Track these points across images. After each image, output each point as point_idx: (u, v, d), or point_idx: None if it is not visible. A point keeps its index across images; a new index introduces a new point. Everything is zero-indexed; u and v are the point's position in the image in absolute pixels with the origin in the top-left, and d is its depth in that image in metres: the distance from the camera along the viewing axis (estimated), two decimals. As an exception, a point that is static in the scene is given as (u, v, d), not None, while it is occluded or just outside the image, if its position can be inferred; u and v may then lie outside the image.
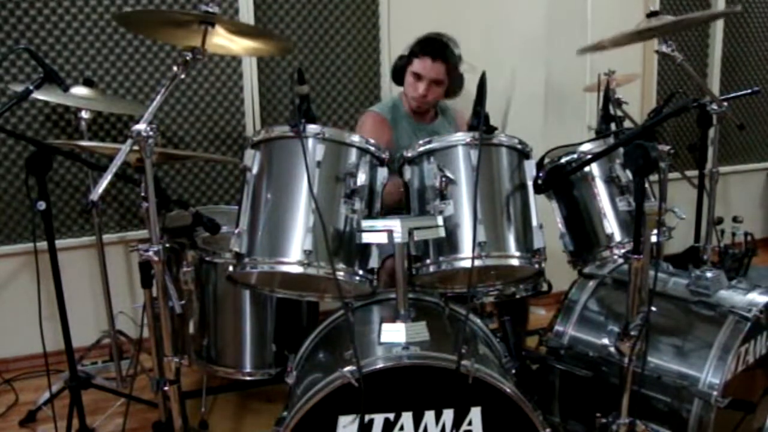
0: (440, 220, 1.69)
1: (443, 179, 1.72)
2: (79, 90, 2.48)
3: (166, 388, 1.69)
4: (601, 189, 1.91)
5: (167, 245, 1.67)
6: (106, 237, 2.89)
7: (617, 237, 1.87)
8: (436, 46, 2.45)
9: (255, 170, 1.72)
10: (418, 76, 2.45)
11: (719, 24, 3.96)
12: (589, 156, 1.87)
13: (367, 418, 1.58)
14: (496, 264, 1.74)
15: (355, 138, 1.77)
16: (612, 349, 1.95)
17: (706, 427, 1.83)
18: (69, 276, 2.39)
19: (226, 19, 2.60)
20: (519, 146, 1.82)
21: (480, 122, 1.73)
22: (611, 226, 1.87)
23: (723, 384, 1.81)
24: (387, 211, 1.85)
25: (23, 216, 2.91)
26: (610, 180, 1.89)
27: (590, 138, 2.03)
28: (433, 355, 1.60)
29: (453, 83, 2.52)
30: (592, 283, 2.19)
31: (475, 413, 1.60)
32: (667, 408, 1.90)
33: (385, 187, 1.82)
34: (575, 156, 1.92)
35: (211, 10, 1.73)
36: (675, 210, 1.87)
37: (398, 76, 2.57)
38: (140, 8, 2.86)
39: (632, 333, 1.64)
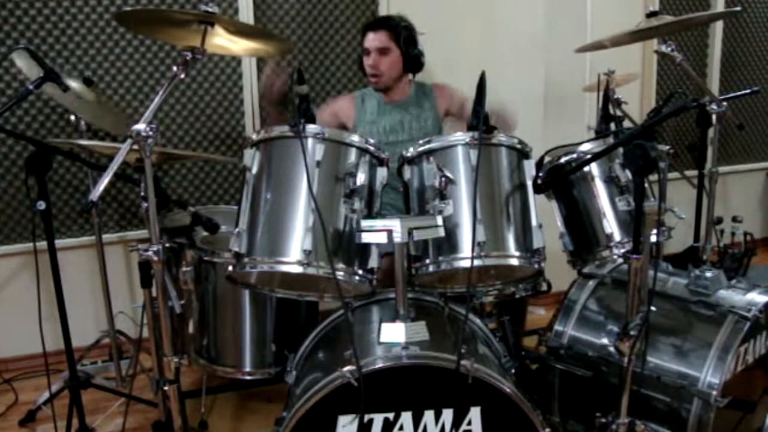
0: (440, 220, 1.69)
1: (443, 179, 1.72)
2: (77, 87, 2.47)
3: (165, 388, 1.69)
4: (600, 189, 1.91)
5: (167, 245, 1.67)
6: (106, 237, 2.89)
7: (617, 237, 1.86)
8: (374, 20, 2.64)
9: (254, 170, 1.72)
10: (366, 52, 2.55)
11: (719, 24, 3.97)
12: (589, 156, 1.87)
13: (366, 417, 1.58)
14: (495, 264, 1.74)
15: (355, 138, 1.77)
16: (611, 348, 1.96)
17: (706, 427, 1.83)
18: (69, 276, 2.39)
19: (226, 18, 2.59)
20: (518, 146, 1.82)
21: (480, 122, 1.73)
22: (611, 225, 1.87)
23: (722, 384, 1.81)
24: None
25: (23, 216, 2.91)
26: (610, 180, 1.89)
27: (590, 138, 2.03)
28: (432, 354, 1.60)
29: (407, 52, 2.53)
30: (591, 283, 2.19)
31: (475, 413, 1.60)
32: (667, 408, 1.90)
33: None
34: (575, 156, 1.92)
35: (210, 9, 1.73)
36: (674, 210, 1.87)
37: (363, 68, 2.62)
38: (140, 8, 2.86)
39: (632, 333, 1.64)
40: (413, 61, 2.55)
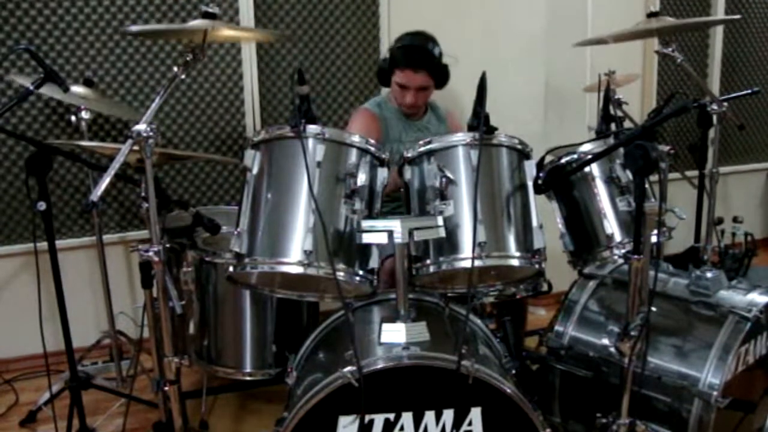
0: (440, 221, 1.69)
1: (443, 179, 1.72)
2: (80, 90, 2.48)
3: (166, 389, 1.70)
4: (601, 189, 1.90)
5: (167, 245, 1.67)
6: (107, 237, 2.89)
7: (617, 237, 1.86)
8: (416, 57, 2.44)
9: (255, 170, 1.72)
10: (403, 86, 2.48)
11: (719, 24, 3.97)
12: (590, 156, 1.86)
13: (367, 418, 1.58)
14: (496, 264, 1.74)
15: (356, 138, 1.76)
16: (612, 349, 1.94)
17: (707, 428, 1.83)
18: (69, 276, 2.39)
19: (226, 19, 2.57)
20: (519, 146, 1.82)
21: (480, 122, 1.73)
22: (611, 226, 1.87)
23: (723, 384, 1.81)
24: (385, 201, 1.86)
25: (23, 216, 2.91)
26: (611, 180, 1.89)
27: (590, 138, 2.02)
28: (433, 355, 1.60)
29: (438, 79, 2.53)
30: (592, 284, 2.19)
31: (475, 413, 1.60)
32: (668, 408, 1.90)
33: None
34: (575, 156, 1.92)
35: (211, 10, 1.74)
36: (675, 210, 1.87)
37: (383, 78, 2.58)
38: (142, 12, 2.87)
39: (632, 333, 1.64)
40: (442, 82, 2.55)
